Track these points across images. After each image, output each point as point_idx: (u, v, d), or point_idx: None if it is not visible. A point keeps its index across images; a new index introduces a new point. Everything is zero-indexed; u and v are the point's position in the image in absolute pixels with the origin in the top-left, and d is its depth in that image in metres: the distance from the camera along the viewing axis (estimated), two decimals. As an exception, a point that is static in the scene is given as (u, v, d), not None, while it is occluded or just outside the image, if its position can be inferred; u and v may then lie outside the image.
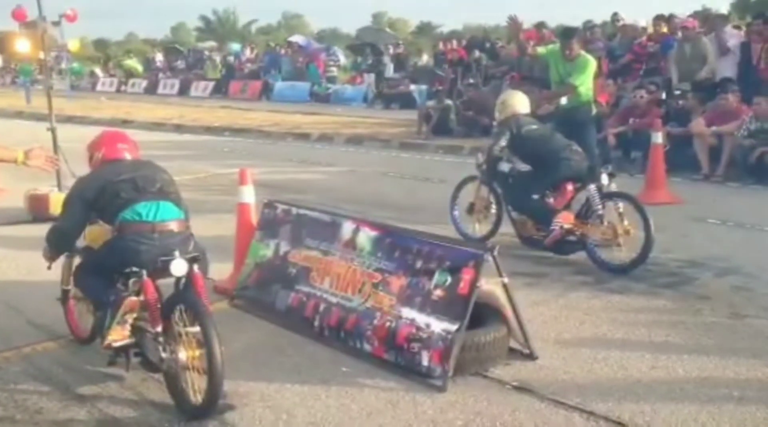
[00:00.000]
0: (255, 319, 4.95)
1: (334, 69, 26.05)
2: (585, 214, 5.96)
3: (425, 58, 23.46)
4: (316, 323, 4.61)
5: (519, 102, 6.45)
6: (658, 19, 13.16)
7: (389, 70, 22.56)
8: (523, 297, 4.66)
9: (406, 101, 19.66)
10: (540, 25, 15.10)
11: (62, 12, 7.70)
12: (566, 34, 7.73)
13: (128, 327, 3.75)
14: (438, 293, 4.12)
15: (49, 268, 4.27)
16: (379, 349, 4.21)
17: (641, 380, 3.97)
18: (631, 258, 5.71)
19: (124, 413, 3.71)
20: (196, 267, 3.71)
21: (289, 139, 15.48)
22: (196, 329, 3.51)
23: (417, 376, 3.97)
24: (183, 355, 3.57)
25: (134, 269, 3.65)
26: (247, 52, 28.31)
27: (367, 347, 4.27)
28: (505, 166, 6.33)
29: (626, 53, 12.94)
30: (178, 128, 17.24)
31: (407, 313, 4.18)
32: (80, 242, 4.14)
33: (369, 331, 4.28)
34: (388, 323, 4.22)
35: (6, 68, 35.95)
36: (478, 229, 6.73)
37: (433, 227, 7.05)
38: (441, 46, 20.78)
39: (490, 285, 4.11)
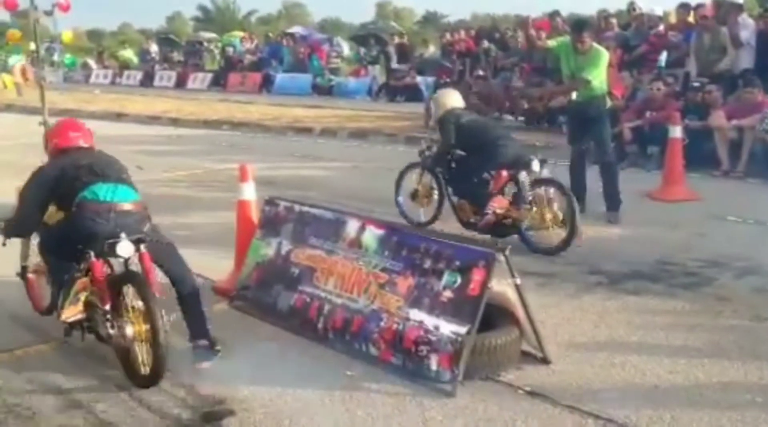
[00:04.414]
0: (256, 321, 4.95)
1: (337, 60, 26.01)
2: (517, 199, 6.41)
3: (432, 49, 23.37)
4: (320, 325, 4.61)
5: (452, 98, 7.11)
6: (683, 7, 13.06)
7: (394, 62, 22.53)
8: (536, 298, 4.64)
9: (412, 94, 19.63)
10: (553, 15, 15.05)
11: (55, 1, 7.68)
12: (578, 26, 7.68)
13: (80, 304, 4.11)
14: (447, 294, 4.11)
15: (3, 244, 4.60)
16: (386, 352, 4.20)
17: (659, 386, 3.96)
18: (557, 242, 6.23)
19: (120, 418, 3.71)
20: (143, 247, 3.98)
21: (291, 133, 15.48)
22: (142, 305, 3.89)
23: (425, 380, 3.97)
24: (130, 330, 3.94)
25: (85, 250, 3.99)
26: (247, 43, 28.25)
27: (373, 350, 4.27)
28: (451, 153, 6.85)
29: (642, 43, 12.90)
30: (175, 122, 17.24)
31: (415, 315, 4.18)
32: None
33: (375, 333, 4.28)
34: (395, 326, 4.22)
35: None
36: (423, 214, 7.23)
37: (440, 224, 7.06)
38: (448, 36, 20.69)
39: (502, 286, 4.10)
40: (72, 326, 4.21)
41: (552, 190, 6.35)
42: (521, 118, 14.42)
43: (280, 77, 24.40)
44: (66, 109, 17.84)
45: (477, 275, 4.03)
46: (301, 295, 4.84)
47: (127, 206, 4.12)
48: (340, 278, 4.67)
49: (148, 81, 28.66)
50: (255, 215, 5.55)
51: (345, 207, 6.39)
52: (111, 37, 65.09)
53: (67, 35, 8.12)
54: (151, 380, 3.91)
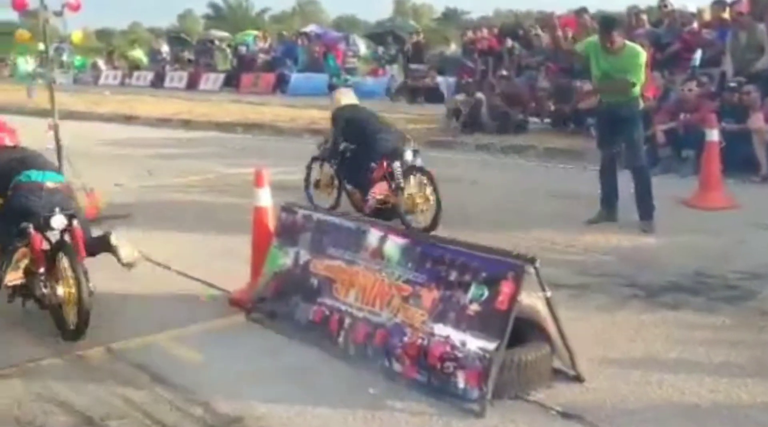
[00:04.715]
0: (273, 334, 4.93)
1: (353, 60, 26.04)
2: (394, 185, 7.45)
3: (453, 47, 23.33)
4: (341, 340, 4.59)
5: (345, 97, 8.49)
6: (717, 4, 12.94)
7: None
8: (567, 312, 4.59)
9: (433, 95, 19.60)
10: (580, 12, 14.97)
11: (65, 1, 7.73)
12: (607, 24, 7.49)
13: (20, 271, 4.98)
14: (474, 307, 4.08)
15: None
16: (410, 368, 4.17)
17: (700, 405, 3.91)
18: (427, 223, 7.23)
19: (133, 437, 3.71)
20: (75, 222, 4.92)
21: (306, 136, 15.44)
22: (71, 272, 4.75)
23: (452, 399, 3.93)
24: (61, 291, 4.82)
25: (24, 224, 4.81)
26: (260, 42, 28.34)
27: (396, 366, 4.24)
28: (342, 146, 7.88)
29: (675, 41, 12.81)
30: (186, 124, 17.31)
31: (440, 329, 4.14)
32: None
33: (399, 348, 4.25)
34: (419, 340, 4.19)
35: (3, 61, 36.36)
36: (327, 200, 8.15)
37: (465, 233, 7.01)
38: (470, 34, 20.64)
39: (532, 299, 4.06)
40: (14, 291, 5.06)
41: (423, 177, 7.44)
42: (547, 120, 14.34)
43: (295, 77, 24.45)
44: (75, 112, 17.99)
45: (505, 288, 3.99)
46: (321, 307, 4.82)
47: (54, 185, 5.05)
48: (362, 290, 4.65)
49: (158, 82, 28.82)
50: (271, 223, 5.54)
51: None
52: (121, 37, 65.62)
53: (77, 36, 8.16)
54: (76, 335, 4.75)
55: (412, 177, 7.47)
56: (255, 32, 32.08)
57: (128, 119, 18.58)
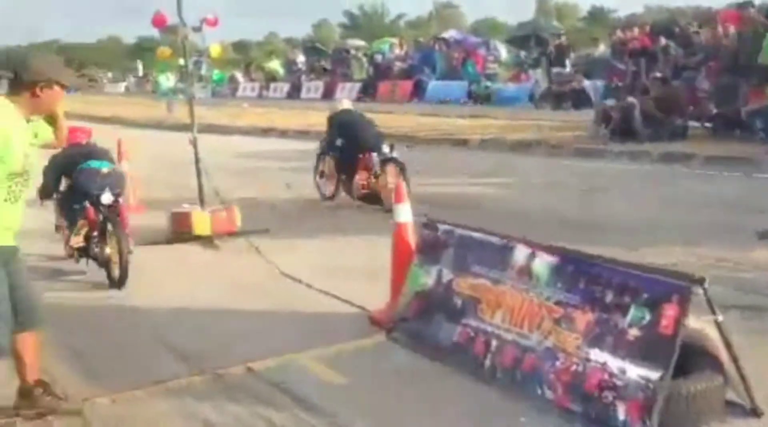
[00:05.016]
0: (415, 355, 4.90)
1: (494, 65, 25.91)
2: (373, 174, 9.50)
3: (601, 48, 22.77)
4: (488, 363, 4.50)
5: (341, 103, 10.98)
6: None
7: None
8: (739, 337, 4.30)
9: (579, 99, 19.19)
10: (744, 5, 14.24)
11: (203, 17, 8.07)
12: None
13: (81, 236, 6.82)
14: (634, 332, 3.89)
15: (41, 204, 7.12)
16: (564, 397, 4.03)
17: None
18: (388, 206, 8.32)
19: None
20: (121, 199, 6.89)
21: (446, 146, 15.50)
22: (115, 238, 6.57)
23: (611, 431, 3.76)
24: (108, 251, 6.65)
25: (84, 202, 6.75)
26: (397, 50, 28.70)
27: (548, 393, 4.11)
28: (339, 142, 9.98)
29: None
30: (322, 136, 17.63)
31: (597, 355, 3.98)
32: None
33: (551, 374, 4.12)
34: (573, 367, 4.04)
35: (145, 77, 38.57)
36: (329, 189, 10.32)
37: (619, 250, 6.76)
38: (619, 33, 20.09)
39: (700, 323, 3.84)
40: (77, 251, 6.91)
41: (395, 166, 9.38)
42: (708, 125, 13.69)
43: (433, 85, 24.62)
44: (215, 125, 18.79)
45: (669, 311, 3.79)
46: (465, 328, 4.75)
47: (107, 171, 6.84)
48: (509, 311, 4.55)
49: (295, 92, 29.77)
50: (412, 239, 5.52)
51: (510, 229, 6.27)
52: (257, 48, 68.29)
53: (215, 50, 8.50)
54: (119, 284, 6.49)
55: (388, 166, 9.41)
56: (391, 40, 32.58)
57: (266, 132, 19.22)
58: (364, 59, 30.72)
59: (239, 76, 34.98)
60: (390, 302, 5.48)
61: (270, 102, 28.15)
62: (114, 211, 6.74)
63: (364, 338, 5.25)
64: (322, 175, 10.52)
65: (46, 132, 4.25)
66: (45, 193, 7.12)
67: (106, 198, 6.68)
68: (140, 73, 50.32)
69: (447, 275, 5.08)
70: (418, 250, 5.42)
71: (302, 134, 18.18)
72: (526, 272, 4.58)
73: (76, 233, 6.84)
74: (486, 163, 13.23)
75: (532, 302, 4.44)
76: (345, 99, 12.61)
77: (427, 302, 5.12)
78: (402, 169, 9.35)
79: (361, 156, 9.60)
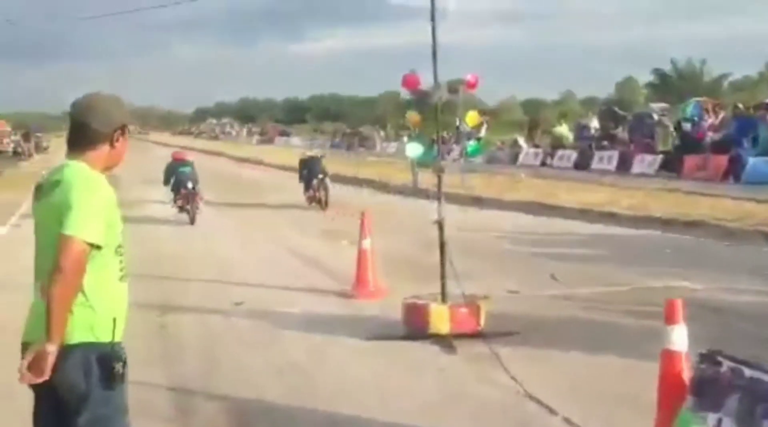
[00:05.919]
0: None
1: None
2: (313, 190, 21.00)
3: None
4: None
5: (309, 152, 24.09)
6: None
7: None
8: None
9: None
10: None
11: (462, 78, 7.89)
12: None
13: (179, 202, 18.45)
14: None
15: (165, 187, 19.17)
16: None
17: None
18: (323, 207, 20.40)
19: None
20: (197, 187, 18.41)
21: (761, 240, 14.07)
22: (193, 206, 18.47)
23: None
24: (190, 207, 18.26)
25: (180, 186, 18.56)
26: (708, 117, 27.19)
27: None
28: (303, 173, 21.55)
29: None
30: (606, 218, 16.90)
31: None
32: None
33: None
34: None
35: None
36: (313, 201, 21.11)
37: None
38: None
39: None
40: (179, 208, 18.30)
41: (324, 185, 20.56)
42: None
43: (753, 162, 22.91)
44: (479, 198, 18.72)
45: None
46: None
47: (189, 171, 18.66)
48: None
49: (583, 162, 29.17)
50: (686, 373, 4.82)
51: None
52: (550, 108, 68.54)
53: (471, 118, 8.26)
54: (191, 221, 18.02)
55: (321, 186, 20.35)
56: (699, 99, 30.78)
57: (544, 208, 18.75)
58: (671, 126, 29.38)
59: (521, 140, 35.05)
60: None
61: (553, 172, 27.75)
62: (192, 192, 17.93)
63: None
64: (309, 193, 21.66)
65: None
66: (166, 182, 18.69)
67: (188, 186, 17.90)
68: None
69: (728, 429, 4.33)
70: (692, 390, 4.71)
71: (582, 214, 17.56)
72: None
73: (175, 199, 18.22)
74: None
75: None
76: (315, 149, 23.50)
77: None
78: (326, 188, 20.88)
79: (311, 180, 21.01)
